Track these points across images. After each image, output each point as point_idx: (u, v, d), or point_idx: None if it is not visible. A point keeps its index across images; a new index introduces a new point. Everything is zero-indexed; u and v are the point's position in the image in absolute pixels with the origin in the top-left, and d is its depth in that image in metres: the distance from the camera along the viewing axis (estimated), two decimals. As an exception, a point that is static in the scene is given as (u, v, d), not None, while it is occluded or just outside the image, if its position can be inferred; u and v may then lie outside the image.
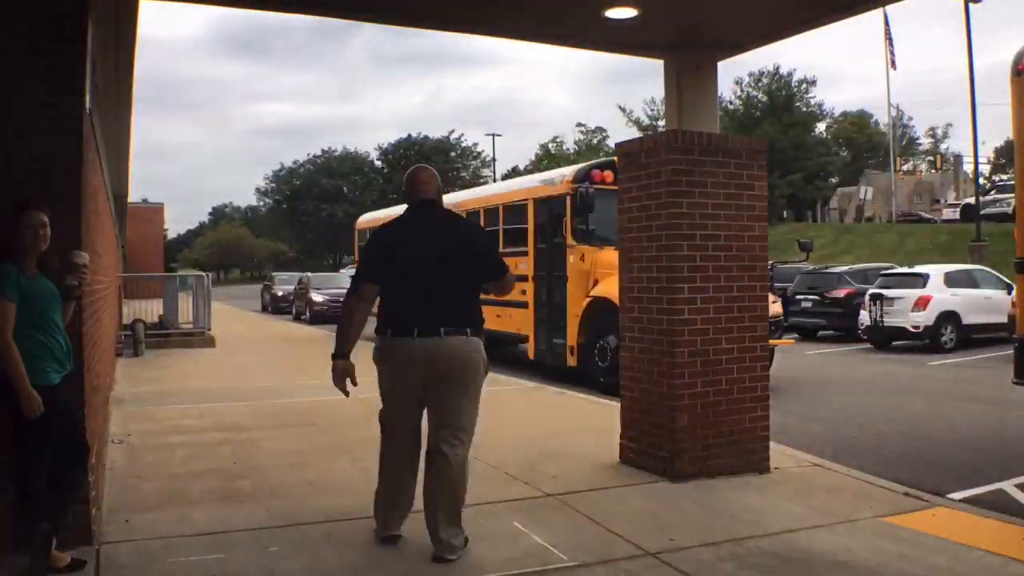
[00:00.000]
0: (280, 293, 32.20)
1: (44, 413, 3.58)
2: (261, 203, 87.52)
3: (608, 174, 10.98)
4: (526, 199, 12.47)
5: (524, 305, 11.99)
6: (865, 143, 67.83)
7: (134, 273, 26.07)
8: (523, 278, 11.84)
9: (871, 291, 16.43)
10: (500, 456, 5.98)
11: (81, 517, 4.01)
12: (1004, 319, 14.56)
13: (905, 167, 61.46)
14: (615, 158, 7.09)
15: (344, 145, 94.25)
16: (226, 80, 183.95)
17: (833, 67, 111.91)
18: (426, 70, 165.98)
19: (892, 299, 15.86)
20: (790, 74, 55.66)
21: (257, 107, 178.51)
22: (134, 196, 33.01)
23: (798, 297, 18.69)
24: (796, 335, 18.46)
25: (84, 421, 4.02)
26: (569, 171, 12.15)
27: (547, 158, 74.50)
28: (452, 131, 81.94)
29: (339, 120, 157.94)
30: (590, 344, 10.84)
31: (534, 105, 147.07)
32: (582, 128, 73.29)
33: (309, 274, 30.96)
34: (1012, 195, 34.25)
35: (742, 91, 56.52)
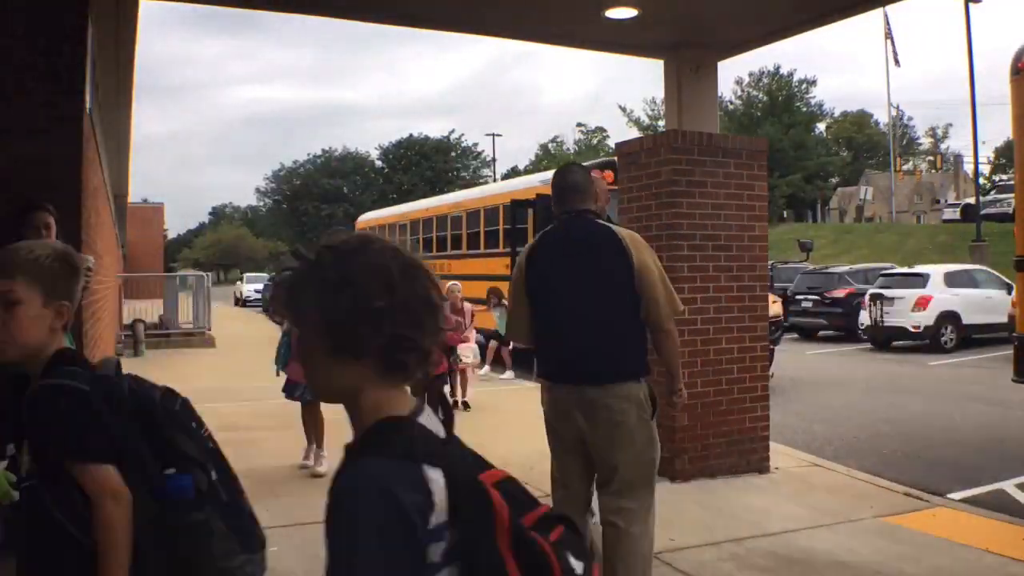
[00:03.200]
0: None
1: None
2: (261, 203, 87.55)
3: (608, 174, 10.99)
4: (527, 198, 12.48)
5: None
6: (865, 143, 67.84)
7: (134, 273, 26.07)
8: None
9: (871, 291, 16.42)
10: (500, 456, 5.94)
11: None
12: (1004, 319, 14.53)
13: (905, 167, 61.46)
14: (615, 158, 7.09)
15: (344, 144, 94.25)
16: (205, 60, 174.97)
17: (834, 65, 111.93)
18: (430, 46, 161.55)
19: (892, 299, 15.85)
20: (790, 74, 55.74)
21: (243, 92, 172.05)
22: (134, 196, 33.06)
23: (798, 297, 18.67)
24: (796, 335, 18.48)
25: None
26: None
27: (547, 158, 74.55)
28: (452, 131, 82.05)
29: (335, 107, 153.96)
30: None
31: (543, 88, 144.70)
32: (582, 128, 73.34)
33: None
34: (1012, 195, 34.33)
35: (742, 91, 56.59)
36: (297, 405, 6.24)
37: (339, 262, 1.12)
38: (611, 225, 3.26)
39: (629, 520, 3.12)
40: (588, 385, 3.09)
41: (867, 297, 16.37)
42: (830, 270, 20.41)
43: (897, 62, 47.82)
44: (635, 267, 3.10)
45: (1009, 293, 15.57)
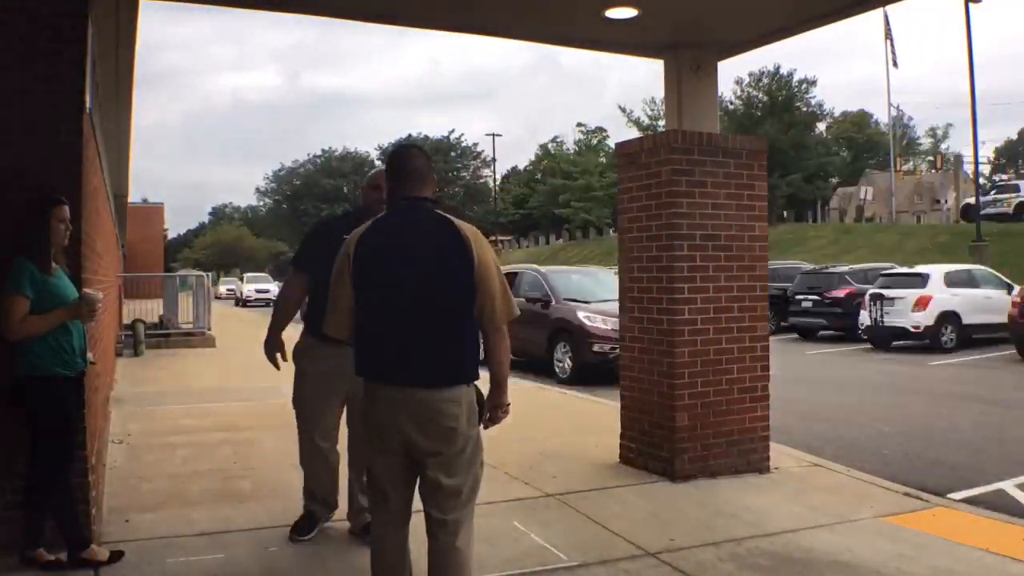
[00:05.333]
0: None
1: (63, 406, 3.73)
2: (261, 203, 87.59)
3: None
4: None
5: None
6: (865, 143, 67.85)
7: (134, 273, 26.07)
8: None
9: (871, 291, 16.42)
10: (500, 456, 5.97)
11: (81, 517, 4.01)
12: (1004, 319, 14.55)
13: (905, 167, 61.44)
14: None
15: (344, 145, 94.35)
16: (192, 43, 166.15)
17: (834, 64, 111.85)
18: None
19: (892, 299, 15.86)
20: (790, 74, 55.70)
21: (232, 78, 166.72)
22: (134, 196, 33.08)
23: (798, 297, 18.68)
24: (796, 335, 18.49)
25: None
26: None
27: (547, 158, 74.51)
28: (452, 131, 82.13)
29: (331, 96, 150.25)
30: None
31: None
32: (582, 128, 73.30)
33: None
34: (1013, 195, 34.39)
35: (742, 91, 56.54)
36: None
37: None
38: (450, 217, 3.03)
39: (455, 533, 2.97)
40: (419, 387, 2.89)
41: (867, 297, 16.37)
42: (830, 270, 20.41)
43: (895, 64, 47.83)
44: (475, 263, 2.91)
45: (1009, 293, 15.59)
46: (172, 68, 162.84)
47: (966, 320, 15.68)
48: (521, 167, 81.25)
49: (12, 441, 3.81)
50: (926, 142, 72.38)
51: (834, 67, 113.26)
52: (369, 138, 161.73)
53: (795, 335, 18.59)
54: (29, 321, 3.61)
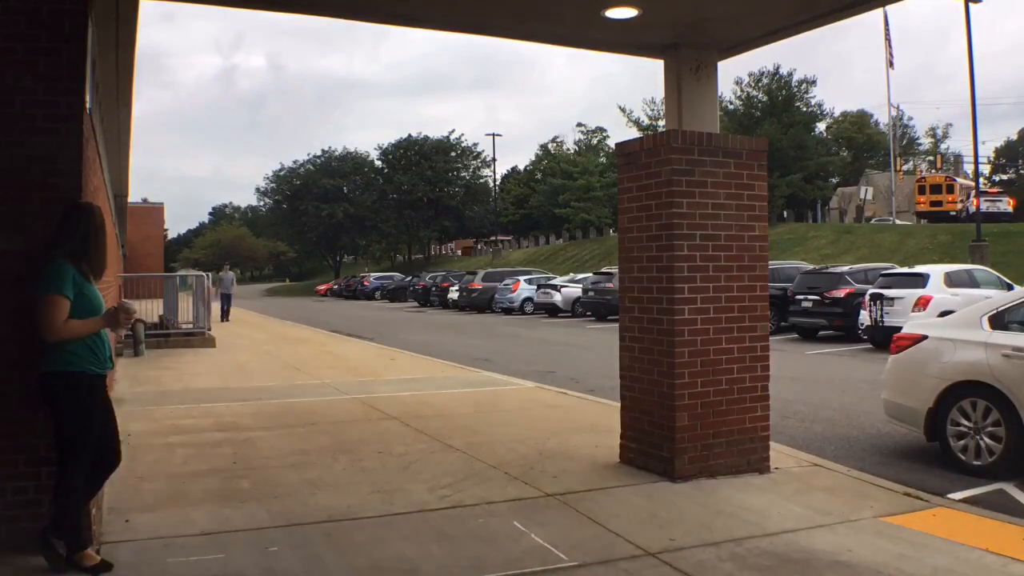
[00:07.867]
0: None
1: (91, 404, 3.73)
2: (261, 203, 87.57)
3: None
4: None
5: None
6: (865, 143, 67.93)
7: (134, 273, 26.07)
8: None
9: (871, 291, 16.42)
10: (500, 456, 5.98)
11: (83, 517, 4.02)
12: (1004, 319, 14.54)
13: (905, 167, 61.46)
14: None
15: (344, 144, 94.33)
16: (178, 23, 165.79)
17: (833, 66, 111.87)
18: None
19: (892, 299, 15.85)
20: (790, 74, 55.62)
21: (219, 60, 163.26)
22: (134, 196, 33.10)
23: (798, 297, 18.68)
24: (796, 335, 18.48)
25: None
26: None
27: (547, 158, 74.52)
28: (452, 131, 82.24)
29: (329, 84, 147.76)
30: None
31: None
32: (582, 128, 73.31)
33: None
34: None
35: (742, 91, 56.48)
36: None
37: None
38: None
39: None
40: None
41: (867, 297, 16.36)
42: (830, 270, 20.40)
43: (892, 64, 47.85)
44: None
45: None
46: (166, 50, 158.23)
47: (966, 320, 15.64)
48: (521, 167, 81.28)
49: (18, 441, 3.83)
50: (926, 142, 72.51)
51: (834, 67, 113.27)
52: (374, 130, 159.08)
53: (795, 335, 18.59)
54: (71, 325, 3.65)
